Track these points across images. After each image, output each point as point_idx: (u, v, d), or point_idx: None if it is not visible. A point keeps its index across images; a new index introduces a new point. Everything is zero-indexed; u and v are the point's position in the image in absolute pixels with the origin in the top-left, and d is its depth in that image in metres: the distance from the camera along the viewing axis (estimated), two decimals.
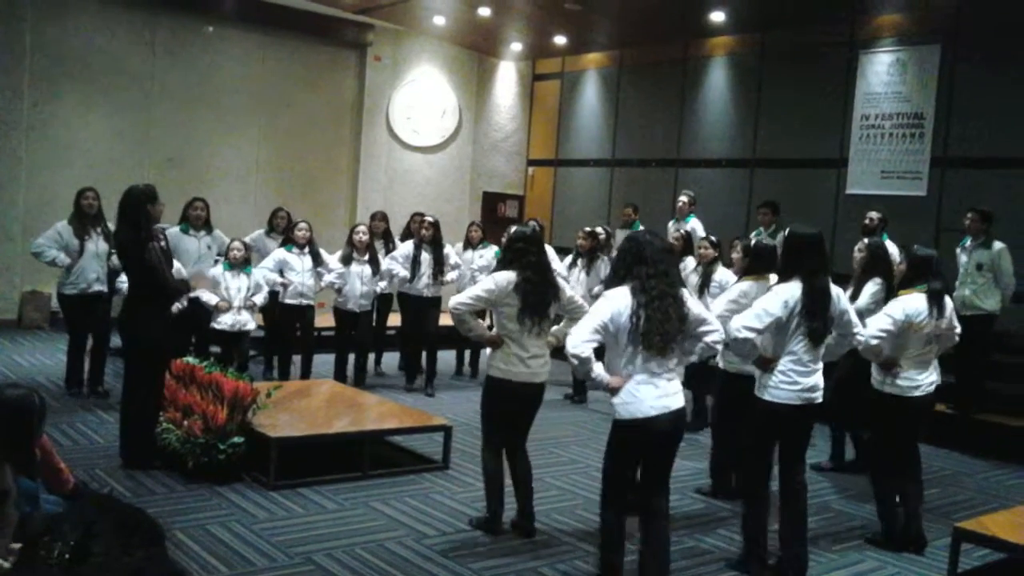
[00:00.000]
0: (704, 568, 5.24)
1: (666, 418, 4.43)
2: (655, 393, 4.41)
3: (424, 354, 9.60)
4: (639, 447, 4.50)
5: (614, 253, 9.54)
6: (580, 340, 4.36)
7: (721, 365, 6.34)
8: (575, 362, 4.41)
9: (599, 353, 4.51)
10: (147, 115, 12.15)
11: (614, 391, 4.45)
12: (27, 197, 11.29)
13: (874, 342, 5.43)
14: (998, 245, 8.31)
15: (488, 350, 5.49)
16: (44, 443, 4.20)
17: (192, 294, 8.24)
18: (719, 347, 4.78)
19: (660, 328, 4.35)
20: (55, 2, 11.39)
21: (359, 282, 9.05)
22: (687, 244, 8.92)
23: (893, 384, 5.60)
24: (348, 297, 9.05)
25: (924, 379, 5.63)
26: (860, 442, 7.45)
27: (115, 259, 7.74)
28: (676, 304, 4.44)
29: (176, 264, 7.48)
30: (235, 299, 8.27)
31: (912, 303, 5.52)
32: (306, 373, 8.98)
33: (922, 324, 5.52)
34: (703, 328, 4.59)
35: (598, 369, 4.45)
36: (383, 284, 9.35)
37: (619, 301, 4.40)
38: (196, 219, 8.71)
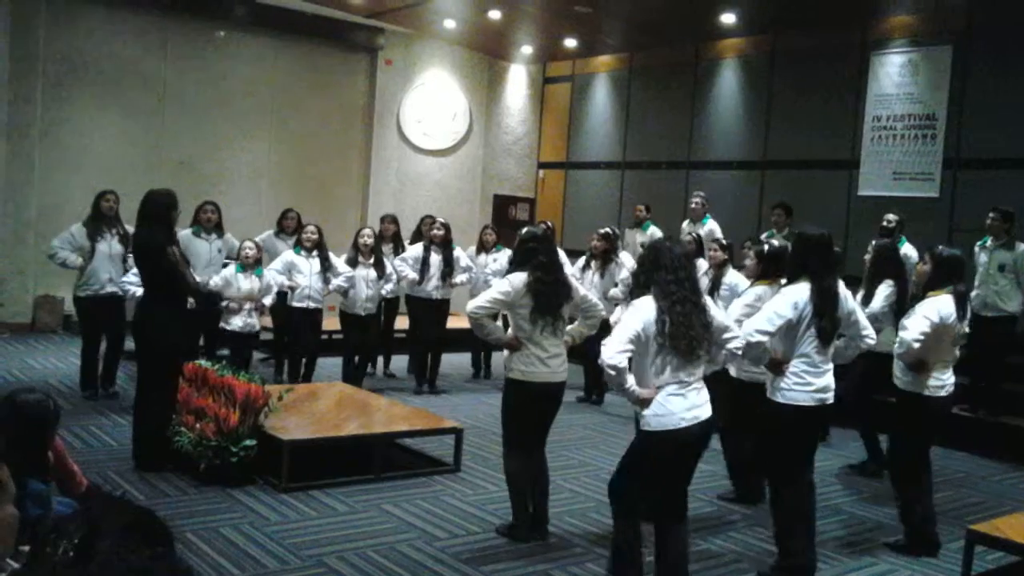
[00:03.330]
0: (715, 571, 5.22)
1: (696, 429, 4.40)
2: (685, 404, 4.37)
3: (430, 355, 9.61)
4: (667, 458, 4.47)
5: (622, 254, 9.63)
6: (615, 351, 4.29)
7: (733, 373, 6.32)
8: (612, 373, 4.31)
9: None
10: (159, 119, 12.20)
11: (645, 403, 4.39)
12: (40, 201, 11.34)
13: (916, 345, 5.36)
14: (1022, 246, 8.25)
15: (505, 352, 5.49)
16: (57, 446, 4.22)
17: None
18: (739, 353, 4.77)
19: (684, 333, 4.32)
20: (67, 7, 11.45)
21: (364, 285, 9.03)
22: (700, 247, 8.89)
23: (922, 384, 5.55)
24: (354, 301, 9.05)
25: (948, 379, 5.63)
26: (873, 443, 7.43)
27: (131, 260, 7.80)
28: (698, 311, 4.42)
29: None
30: (246, 300, 8.27)
31: (944, 305, 5.47)
32: (308, 376, 8.95)
33: (952, 325, 5.50)
34: (726, 335, 4.59)
35: (631, 381, 4.38)
36: (389, 287, 9.34)
37: (647, 309, 4.37)
38: (207, 222, 8.75)
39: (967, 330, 5.82)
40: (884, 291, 6.80)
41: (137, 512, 1.41)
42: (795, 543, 5.01)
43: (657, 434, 4.39)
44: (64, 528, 1.35)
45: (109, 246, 8.24)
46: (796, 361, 4.92)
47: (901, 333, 5.46)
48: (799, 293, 4.89)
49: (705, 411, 4.44)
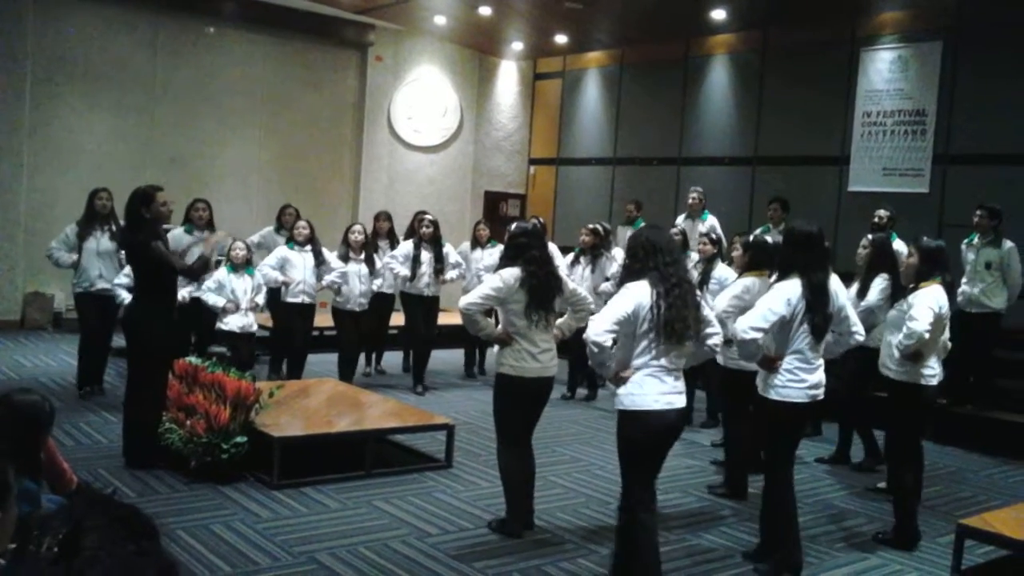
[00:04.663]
0: (706, 566, 5.22)
1: (669, 415, 4.42)
2: (661, 388, 4.40)
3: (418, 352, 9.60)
4: (638, 440, 4.49)
5: (614, 250, 9.63)
6: (602, 329, 4.37)
7: (720, 362, 6.34)
8: (595, 350, 4.40)
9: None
10: (149, 116, 12.17)
11: (621, 381, 4.44)
12: (29, 199, 11.30)
13: (927, 336, 5.43)
14: (1008, 244, 8.28)
15: (496, 348, 5.49)
16: (48, 444, 4.21)
17: (196, 293, 8.25)
18: (718, 349, 4.79)
19: (680, 315, 4.35)
20: (57, 3, 11.40)
21: (357, 281, 9.05)
22: (685, 240, 8.92)
23: (917, 374, 5.61)
24: (347, 297, 9.05)
25: (939, 368, 5.74)
26: (869, 440, 7.46)
27: (124, 256, 7.81)
28: (692, 291, 4.49)
29: None
30: (242, 300, 8.24)
31: (939, 294, 5.56)
32: (297, 373, 8.89)
33: (945, 315, 5.61)
34: (708, 330, 4.60)
35: (612, 360, 4.46)
36: (379, 282, 9.35)
37: (641, 293, 4.38)
38: (199, 220, 8.73)
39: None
40: (879, 284, 6.83)
41: (121, 508, 1.41)
42: (782, 535, 5.04)
43: (629, 413, 4.43)
44: (48, 525, 1.35)
45: (98, 243, 8.22)
46: (789, 358, 4.92)
47: (911, 324, 5.43)
48: (792, 289, 4.89)
49: (679, 400, 4.47)
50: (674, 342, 4.38)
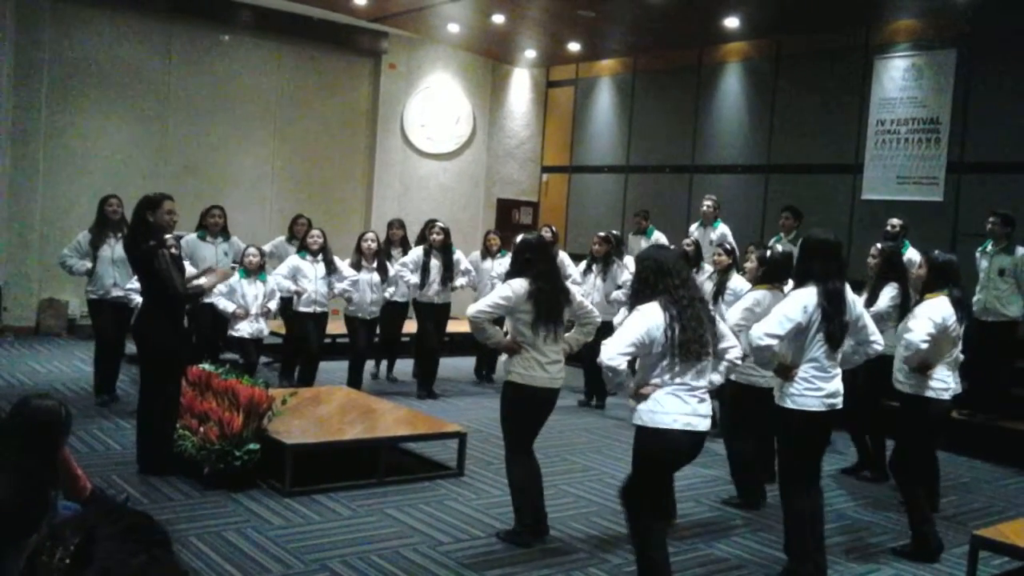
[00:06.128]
0: None
1: (685, 437, 4.38)
2: (682, 408, 4.35)
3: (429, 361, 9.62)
4: (654, 456, 4.46)
5: (626, 257, 9.63)
6: (615, 352, 4.32)
7: (732, 376, 6.31)
8: (609, 374, 4.37)
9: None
10: (163, 123, 12.23)
11: (641, 398, 4.40)
12: (44, 206, 11.37)
13: (924, 347, 5.40)
14: (1021, 250, 8.24)
15: (504, 356, 5.50)
16: (63, 450, 4.23)
17: (208, 299, 8.26)
18: (739, 363, 4.76)
19: (696, 334, 4.33)
20: (72, 12, 11.48)
21: (369, 290, 9.07)
22: (698, 252, 8.91)
23: (928, 387, 5.58)
24: (359, 305, 9.07)
25: (952, 381, 5.68)
26: (866, 449, 7.43)
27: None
28: (705, 308, 4.46)
29: (188, 268, 7.28)
30: (252, 306, 8.28)
31: (944, 306, 5.54)
32: (310, 380, 8.90)
33: (952, 327, 5.56)
34: (724, 344, 4.58)
35: (630, 382, 4.43)
36: (392, 290, 9.37)
37: (654, 316, 4.35)
38: (213, 226, 8.78)
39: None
40: (889, 292, 6.83)
41: (133, 516, 1.41)
42: (804, 549, 4.99)
43: (647, 429, 4.40)
44: (60, 535, 1.35)
45: (112, 251, 8.24)
46: (805, 366, 4.90)
47: (906, 336, 5.47)
48: (808, 297, 4.87)
49: (702, 424, 4.42)
50: (693, 361, 4.36)
